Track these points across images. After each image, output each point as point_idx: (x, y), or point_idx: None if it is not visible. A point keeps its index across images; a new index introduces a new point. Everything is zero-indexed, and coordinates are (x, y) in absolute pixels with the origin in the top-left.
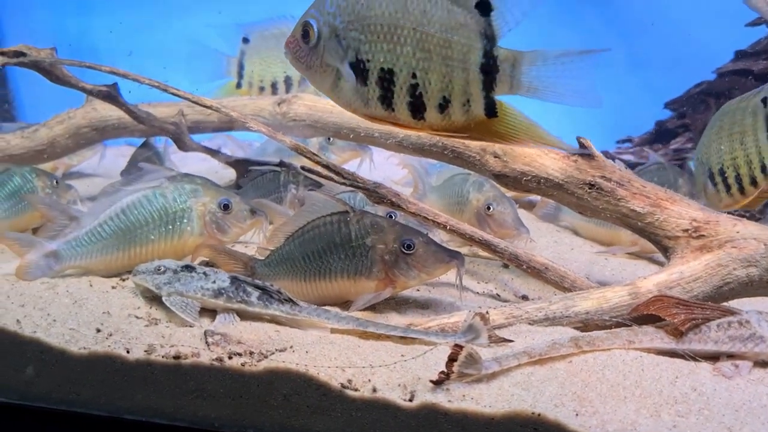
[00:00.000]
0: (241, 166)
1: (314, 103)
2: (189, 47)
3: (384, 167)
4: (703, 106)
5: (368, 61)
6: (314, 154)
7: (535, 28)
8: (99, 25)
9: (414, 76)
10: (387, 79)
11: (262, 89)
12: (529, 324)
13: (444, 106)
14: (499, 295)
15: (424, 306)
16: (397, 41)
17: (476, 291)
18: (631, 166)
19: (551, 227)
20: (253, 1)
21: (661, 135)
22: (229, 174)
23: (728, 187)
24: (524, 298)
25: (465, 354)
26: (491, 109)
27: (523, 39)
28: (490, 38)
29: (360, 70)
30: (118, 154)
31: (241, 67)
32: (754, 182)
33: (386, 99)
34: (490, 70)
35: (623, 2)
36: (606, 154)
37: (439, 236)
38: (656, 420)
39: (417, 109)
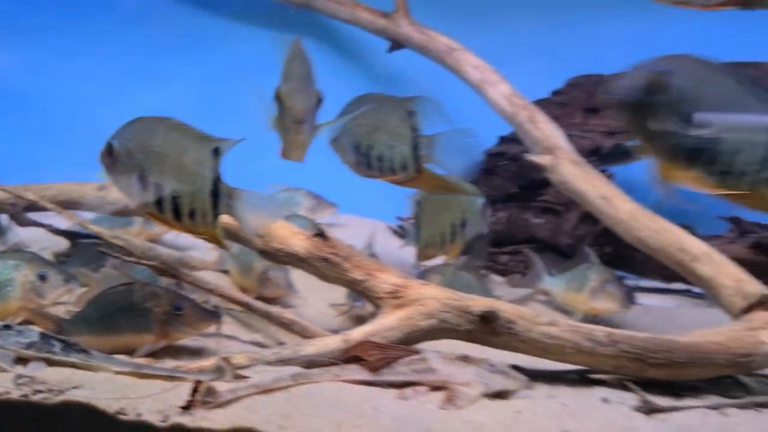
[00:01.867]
0: (71, 236)
1: None
2: None
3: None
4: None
5: (147, 176)
6: (112, 236)
7: None
8: None
9: (174, 191)
10: (158, 190)
11: None
12: (267, 364)
13: (192, 215)
14: (262, 344)
15: (195, 353)
16: (164, 165)
17: (244, 340)
18: None
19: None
20: None
21: None
22: (64, 242)
23: None
24: (281, 344)
25: (205, 387)
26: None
27: None
28: (216, 175)
29: (144, 181)
30: None
31: None
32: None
33: (159, 204)
34: (216, 196)
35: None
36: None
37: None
38: (335, 429)
39: (177, 215)
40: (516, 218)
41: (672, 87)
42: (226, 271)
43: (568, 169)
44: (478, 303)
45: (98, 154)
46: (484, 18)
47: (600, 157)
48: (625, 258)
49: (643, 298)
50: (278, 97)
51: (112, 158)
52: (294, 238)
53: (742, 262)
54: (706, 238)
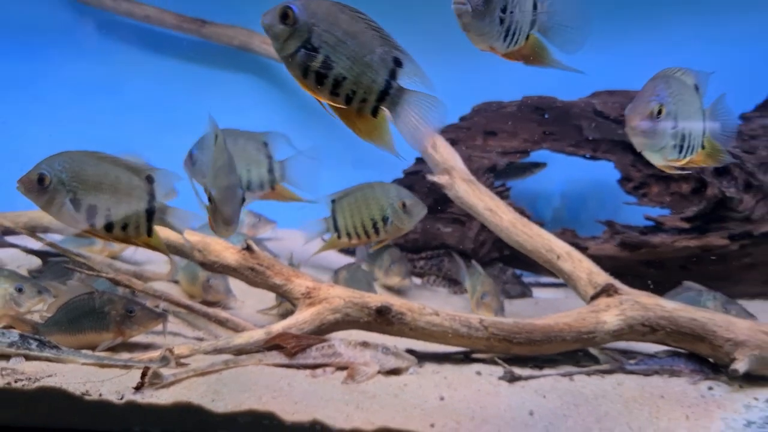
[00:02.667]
0: (42, 255)
1: None
2: None
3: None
4: None
5: (81, 200)
6: (76, 255)
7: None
8: None
9: (108, 210)
10: (92, 211)
11: None
12: (205, 354)
13: (125, 228)
14: (202, 338)
15: (147, 347)
16: (99, 190)
17: (187, 336)
18: None
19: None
20: None
21: None
22: (37, 260)
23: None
24: (217, 337)
25: (152, 372)
26: (150, 233)
27: None
28: (151, 196)
29: (77, 204)
30: None
31: None
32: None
33: (92, 223)
34: (150, 213)
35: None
36: None
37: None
38: (257, 401)
39: (110, 229)
40: (430, 228)
41: (297, 19)
42: (176, 281)
43: (461, 187)
44: (375, 299)
45: (22, 183)
46: None
47: (496, 173)
48: (521, 258)
49: (538, 292)
50: (211, 200)
51: (42, 186)
52: (226, 252)
53: (613, 257)
54: (586, 239)
